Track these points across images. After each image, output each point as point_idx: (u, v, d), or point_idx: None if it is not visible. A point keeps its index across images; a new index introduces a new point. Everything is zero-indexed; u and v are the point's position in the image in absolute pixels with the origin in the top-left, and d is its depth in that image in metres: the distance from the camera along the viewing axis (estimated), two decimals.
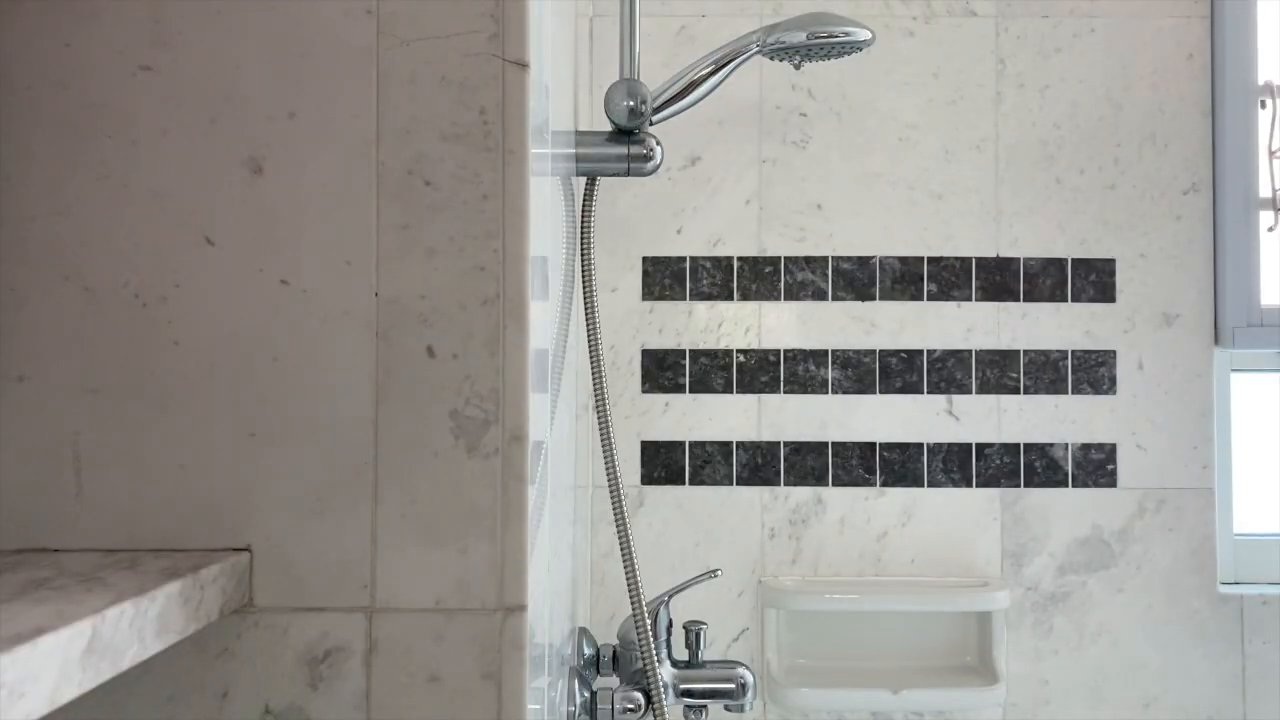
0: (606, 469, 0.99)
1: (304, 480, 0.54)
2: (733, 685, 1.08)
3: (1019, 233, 1.41)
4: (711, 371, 1.40)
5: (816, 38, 1.01)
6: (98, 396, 0.54)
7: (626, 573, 0.99)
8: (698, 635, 1.11)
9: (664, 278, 1.40)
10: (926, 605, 1.36)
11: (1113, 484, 1.39)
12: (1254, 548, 1.44)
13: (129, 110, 0.54)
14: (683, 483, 1.40)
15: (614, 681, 1.07)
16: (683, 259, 1.41)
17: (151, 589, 0.43)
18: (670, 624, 1.10)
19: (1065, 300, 1.40)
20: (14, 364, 0.54)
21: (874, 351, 1.41)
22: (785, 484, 1.40)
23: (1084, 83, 1.40)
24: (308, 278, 0.54)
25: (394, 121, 0.55)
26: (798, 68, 1.09)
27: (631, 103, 0.93)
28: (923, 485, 1.41)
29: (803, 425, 1.41)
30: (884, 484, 1.41)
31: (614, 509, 0.99)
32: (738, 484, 1.40)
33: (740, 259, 1.41)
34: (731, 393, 1.40)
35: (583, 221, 0.99)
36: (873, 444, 1.41)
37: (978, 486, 1.40)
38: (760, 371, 1.40)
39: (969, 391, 1.40)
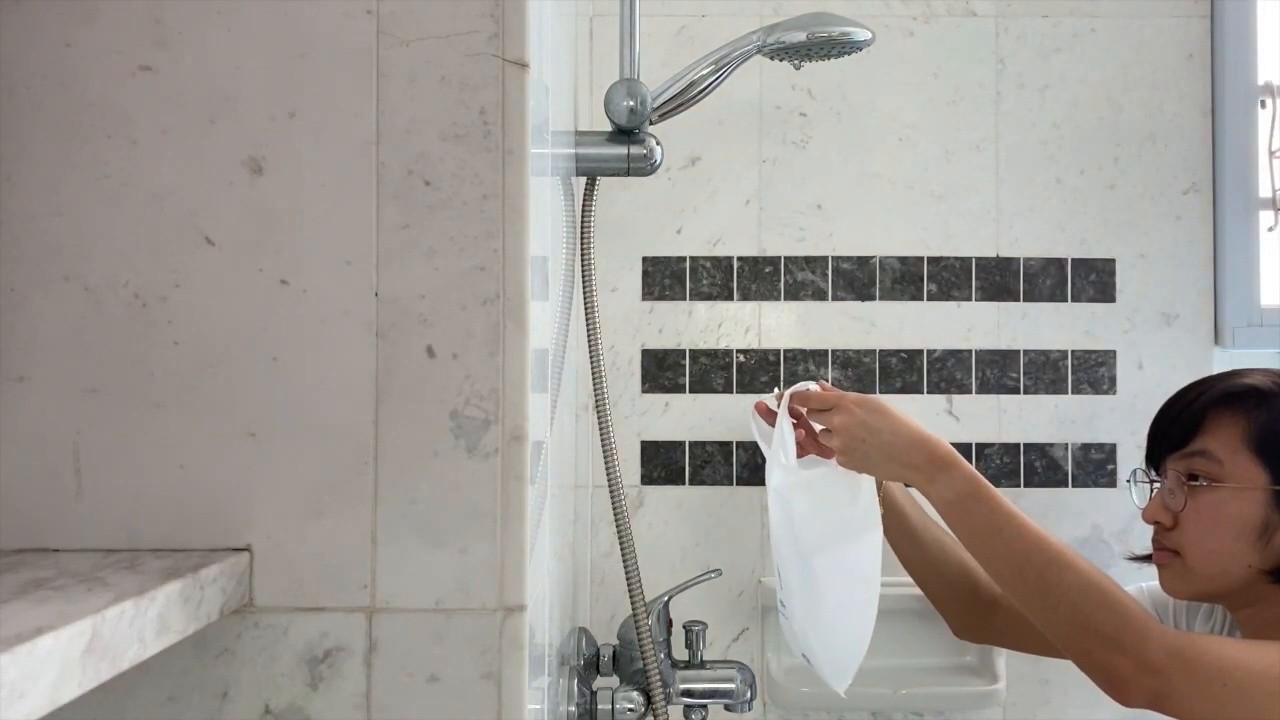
0: (606, 469, 0.99)
1: (304, 480, 0.54)
2: (733, 685, 1.08)
3: (1019, 233, 1.40)
4: (711, 371, 1.40)
5: (816, 38, 1.02)
6: (98, 396, 0.54)
7: (627, 573, 0.99)
8: (698, 635, 1.11)
9: (664, 278, 1.40)
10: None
11: (1113, 484, 1.39)
12: None
13: (129, 110, 0.54)
14: (683, 483, 1.40)
15: (614, 681, 1.07)
16: (683, 259, 1.41)
17: (151, 589, 0.43)
18: (670, 624, 1.10)
19: (1065, 300, 1.40)
20: (14, 364, 0.54)
21: (874, 351, 1.41)
22: None
23: (1084, 83, 1.40)
24: (308, 278, 0.54)
25: (394, 121, 0.55)
26: (798, 68, 1.09)
27: (631, 103, 0.93)
28: None
29: None
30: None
31: (614, 509, 0.99)
32: (738, 484, 1.40)
33: (740, 259, 1.41)
34: (731, 393, 1.40)
35: (583, 221, 0.99)
36: None
37: None
38: (760, 371, 1.40)
39: (969, 391, 1.40)
